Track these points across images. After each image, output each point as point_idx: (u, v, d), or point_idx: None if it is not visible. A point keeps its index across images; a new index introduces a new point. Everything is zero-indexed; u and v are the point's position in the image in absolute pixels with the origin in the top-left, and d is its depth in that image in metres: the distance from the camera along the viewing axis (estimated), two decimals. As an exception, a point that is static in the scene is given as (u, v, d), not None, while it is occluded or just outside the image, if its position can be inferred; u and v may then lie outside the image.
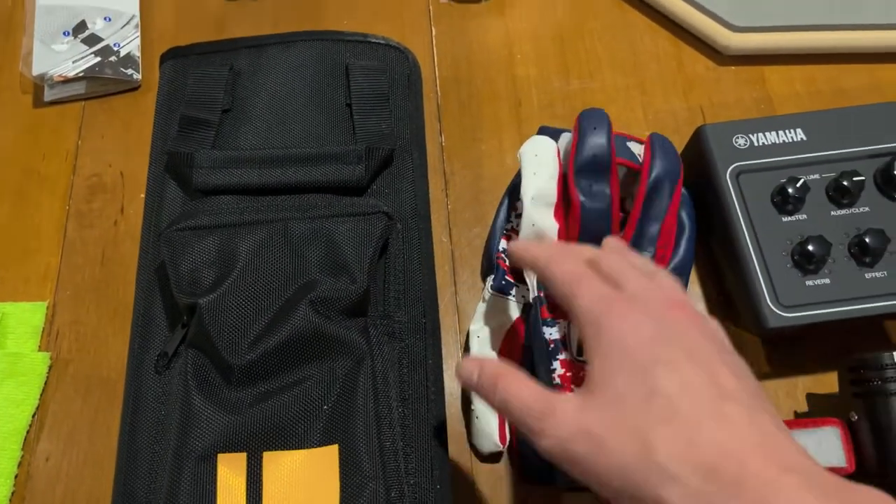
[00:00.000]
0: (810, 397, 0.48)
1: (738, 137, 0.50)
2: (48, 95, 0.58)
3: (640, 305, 0.32)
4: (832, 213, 0.47)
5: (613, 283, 0.34)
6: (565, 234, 0.48)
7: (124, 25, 0.60)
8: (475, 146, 0.57)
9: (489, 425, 0.46)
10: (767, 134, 0.50)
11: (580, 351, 0.45)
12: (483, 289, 0.50)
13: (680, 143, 0.53)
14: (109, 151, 0.57)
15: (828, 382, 0.48)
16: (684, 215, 0.51)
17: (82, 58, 0.57)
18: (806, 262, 0.46)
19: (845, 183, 0.47)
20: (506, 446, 0.46)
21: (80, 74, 0.57)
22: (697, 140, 0.51)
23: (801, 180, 0.47)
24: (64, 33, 0.58)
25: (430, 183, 0.54)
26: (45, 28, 0.58)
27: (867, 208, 0.47)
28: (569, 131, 0.51)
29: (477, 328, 0.48)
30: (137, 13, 0.61)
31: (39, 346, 0.50)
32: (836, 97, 0.58)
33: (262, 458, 0.41)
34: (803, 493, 0.25)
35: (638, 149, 0.49)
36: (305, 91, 0.54)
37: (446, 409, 0.47)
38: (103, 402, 0.49)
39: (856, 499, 0.26)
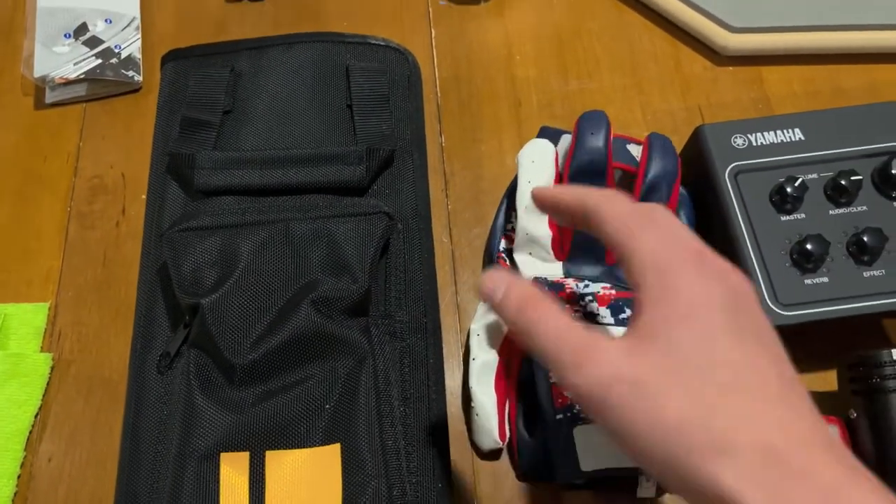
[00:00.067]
0: (809, 395, 0.49)
1: (736, 137, 0.50)
2: (49, 97, 0.58)
3: (712, 269, 0.30)
4: (830, 212, 0.48)
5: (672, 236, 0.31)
6: (559, 241, 0.48)
7: (125, 27, 0.60)
8: (475, 147, 0.57)
9: (489, 423, 0.46)
10: (766, 134, 0.50)
11: None
12: (483, 288, 0.51)
13: (678, 143, 0.53)
14: (110, 153, 0.57)
15: (827, 380, 0.49)
16: (683, 215, 0.51)
17: (83, 60, 0.58)
18: (804, 261, 0.46)
19: (843, 182, 0.47)
20: (505, 444, 0.46)
21: (82, 76, 0.57)
22: (696, 140, 0.51)
23: (800, 180, 0.47)
24: (65, 35, 0.58)
25: (431, 183, 0.54)
26: (46, 30, 0.58)
27: (865, 207, 0.48)
28: (570, 133, 0.51)
29: (477, 327, 0.48)
30: (138, 15, 0.61)
31: (42, 347, 0.50)
32: (833, 97, 0.58)
33: (264, 457, 0.41)
34: (874, 501, 0.24)
35: (637, 151, 0.50)
36: (306, 92, 0.54)
37: (447, 407, 0.47)
38: (105, 402, 0.49)
39: None
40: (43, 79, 0.57)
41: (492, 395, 0.46)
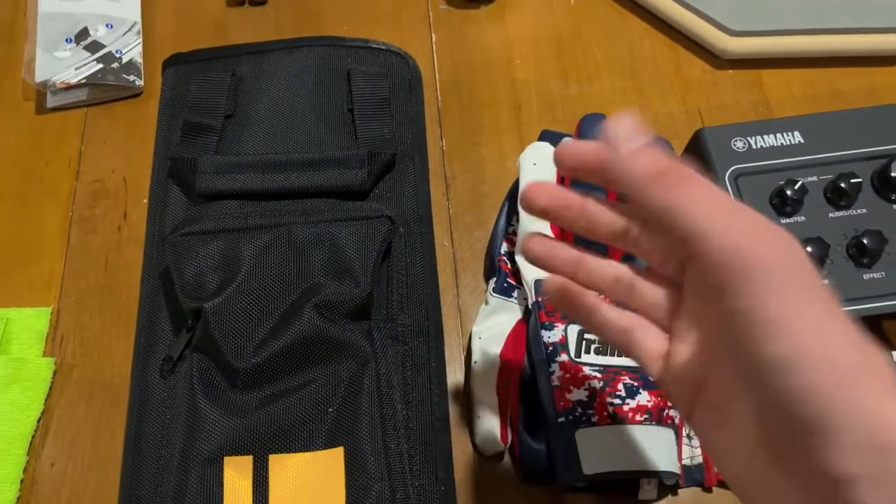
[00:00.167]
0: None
1: (736, 140, 0.50)
2: (51, 102, 0.59)
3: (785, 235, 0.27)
4: (830, 214, 0.48)
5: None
6: (561, 243, 0.48)
7: (126, 32, 0.60)
8: (476, 150, 0.57)
9: (491, 426, 0.46)
10: (765, 137, 0.50)
11: (578, 352, 0.46)
12: (485, 291, 0.51)
13: (678, 147, 0.54)
14: (112, 157, 0.57)
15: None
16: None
17: (85, 64, 0.58)
18: (804, 264, 0.46)
19: (843, 185, 0.47)
20: (507, 446, 0.46)
21: (83, 81, 0.57)
22: (696, 143, 0.51)
23: (799, 182, 0.48)
24: (66, 40, 0.58)
25: (432, 187, 0.55)
26: (47, 35, 0.58)
27: (864, 210, 0.48)
28: (570, 136, 0.51)
29: (479, 330, 0.49)
30: (139, 20, 0.61)
31: (44, 352, 0.50)
32: (832, 100, 0.58)
33: (268, 460, 0.41)
34: None
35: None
36: (307, 96, 0.54)
37: (449, 410, 0.47)
38: (107, 406, 0.49)
39: None
40: (44, 83, 0.57)
41: (494, 397, 0.46)
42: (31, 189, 0.56)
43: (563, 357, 0.45)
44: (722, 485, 0.46)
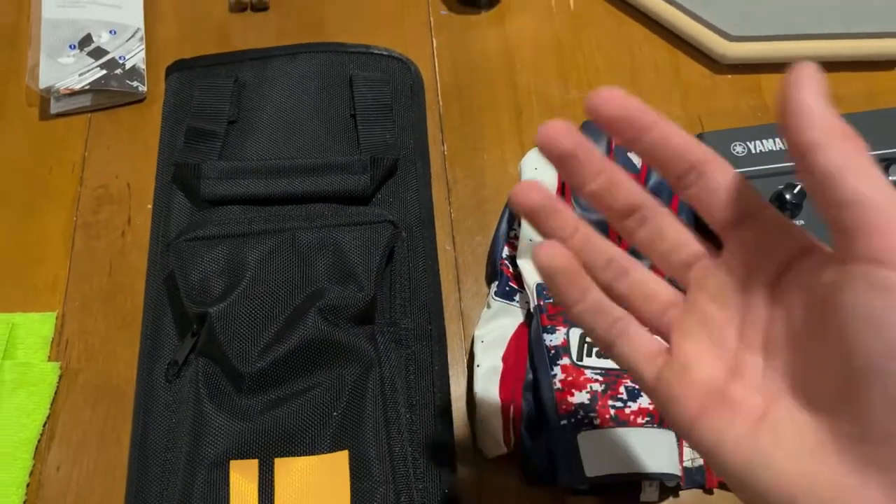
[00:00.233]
0: None
1: (736, 145, 0.51)
2: (54, 108, 0.59)
3: None
4: (829, 218, 0.48)
5: None
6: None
7: (129, 38, 0.61)
8: (477, 155, 0.58)
9: (494, 429, 0.46)
10: (764, 141, 0.51)
11: (580, 356, 0.46)
12: (487, 295, 0.51)
13: (678, 151, 0.54)
14: (116, 163, 0.58)
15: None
16: (683, 218, 0.51)
17: (88, 71, 0.58)
18: (804, 267, 0.47)
19: (841, 189, 0.48)
20: (510, 449, 0.47)
21: (87, 87, 0.58)
22: (696, 148, 0.51)
23: (799, 186, 0.48)
24: (70, 46, 0.59)
25: (434, 191, 0.55)
26: (51, 41, 0.59)
27: (863, 213, 0.48)
28: (570, 140, 0.52)
29: (482, 334, 0.49)
30: (142, 26, 0.62)
31: (49, 356, 0.51)
32: (831, 104, 0.59)
33: (273, 464, 0.41)
34: None
35: (638, 159, 0.50)
36: (310, 102, 0.55)
37: (452, 414, 0.48)
38: (112, 410, 0.49)
39: None
40: (48, 89, 0.57)
41: (496, 401, 0.47)
42: (36, 194, 0.56)
43: (565, 360, 0.46)
44: (723, 486, 0.46)
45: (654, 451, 0.44)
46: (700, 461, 0.46)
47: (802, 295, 0.25)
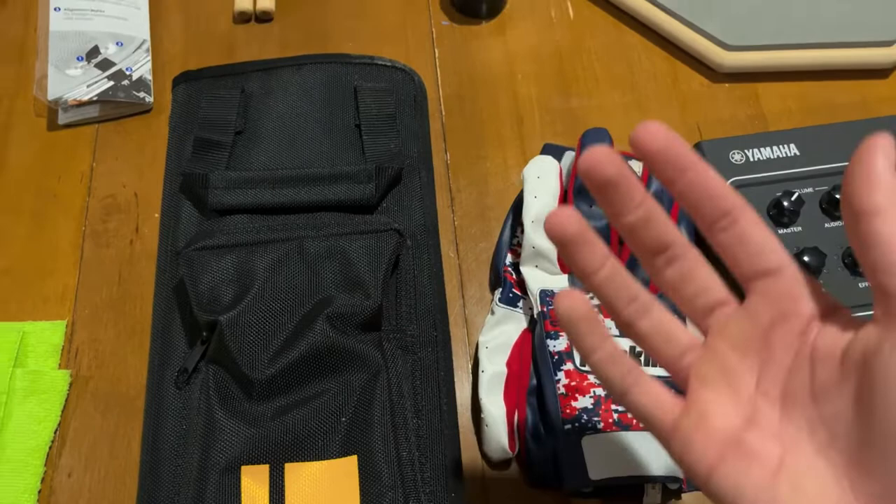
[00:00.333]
0: None
1: (734, 153, 0.52)
2: (62, 118, 0.60)
3: None
4: (826, 224, 0.49)
5: None
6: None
7: (136, 50, 0.61)
8: (480, 163, 0.59)
9: (499, 433, 0.47)
10: (762, 149, 0.52)
11: (583, 361, 0.47)
12: (491, 302, 0.52)
13: (678, 159, 0.55)
14: (123, 172, 0.58)
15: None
16: (683, 229, 0.52)
17: (96, 82, 0.59)
18: (802, 273, 0.47)
19: (838, 196, 0.49)
20: (515, 453, 0.48)
21: (94, 98, 0.58)
22: (695, 156, 0.52)
23: (796, 194, 0.49)
24: (77, 58, 0.60)
25: (437, 200, 0.56)
26: (58, 53, 0.59)
27: (859, 220, 0.49)
28: (572, 149, 0.53)
29: (486, 340, 0.50)
30: (148, 38, 0.63)
31: (59, 364, 0.51)
32: (827, 113, 0.60)
33: (283, 469, 0.42)
34: None
35: (638, 167, 0.51)
36: (315, 112, 0.56)
37: (458, 419, 0.48)
38: (123, 417, 0.50)
39: None
40: (56, 101, 0.58)
41: (501, 405, 0.48)
42: (45, 204, 0.57)
43: (569, 365, 0.47)
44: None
45: (657, 454, 0.44)
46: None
47: (828, 353, 0.26)
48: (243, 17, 0.65)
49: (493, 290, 0.54)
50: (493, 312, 0.51)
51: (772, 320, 0.27)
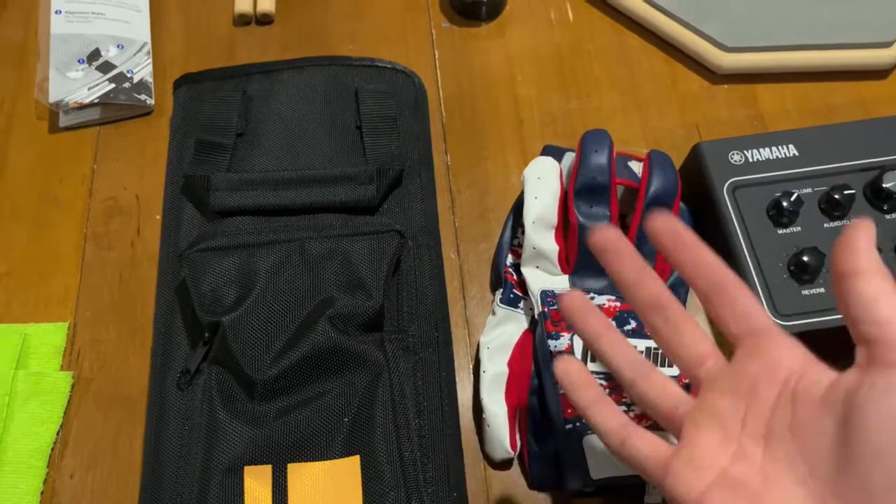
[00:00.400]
0: None
1: (733, 154, 0.52)
2: (63, 121, 0.60)
3: None
4: (825, 225, 0.50)
5: None
6: (565, 255, 0.50)
7: (136, 52, 0.62)
8: (480, 165, 0.59)
9: (500, 433, 0.47)
10: (761, 150, 0.52)
11: (584, 361, 0.47)
12: (492, 302, 0.52)
13: (677, 160, 0.55)
14: (124, 175, 0.59)
15: (824, 387, 0.50)
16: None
17: (97, 84, 0.59)
18: (801, 273, 0.48)
19: (837, 196, 0.49)
20: (516, 453, 0.48)
21: (96, 101, 0.59)
22: (695, 157, 0.53)
23: (795, 194, 0.49)
24: (79, 61, 0.60)
25: (438, 201, 0.56)
26: (60, 56, 0.60)
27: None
28: (572, 150, 0.53)
29: (487, 340, 0.50)
30: (149, 40, 0.63)
31: (61, 366, 0.51)
32: (825, 114, 0.60)
33: (286, 469, 0.42)
34: None
35: (638, 168, 0.51)
36: (316, 114, 0.56)
37: (459, 419, 0.48)
38: (125, 418, 0.50)
39: None
40: (58, 103, 0.58)
41: (502, 406, 0.48)
42: (46, 207, 0.57)
43: (570, 365, 0.47)
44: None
45: (658, 454, 0.45)
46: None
47: (808, 395, 0.30)
48: (243, 20, 0.65)
49: (493, 290, 0.54)
50: (494, 313, 0.51)
51: (758, 372, 0.32)
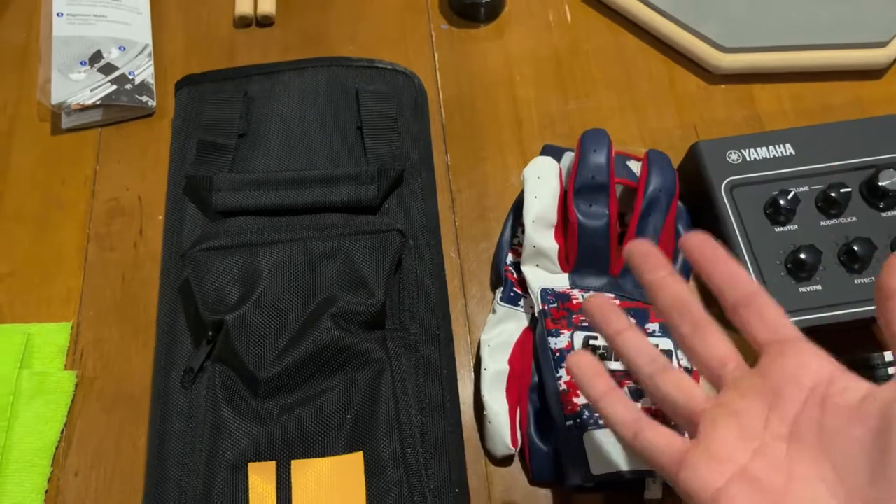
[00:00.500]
0: None
1: (731, 153, 0.52)
2: (66, 123, 0.60)
3: None
4: (822, 223, 0.50)
5: None
6: (565, 254, 0.50)
7: (138, 54, 0.62)
8: (480, 165, 0.59)
9: (501, 430, 0.48)
10: (759, 149, 0.52)
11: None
12: (493, 301, 0.53)
13: (675, 159, 0.56)
14: (126, 176, 0.59)
15: (822, 384, 0.51)
16: (681, 228, 0.53)
17: (99, 86, 0.60)
18: (799, 270, 0.48)
19: (833, 194, 0.50)
20: (517, 449, 0.48)
21: (98, 102, 0.59)
22: (692, 156, 0.53)
23: (792, 193, 0.50)
24: (81, 63, 0.60)
25: (438, 201, 0.57)
26: (62, 58, 0.60)
27: (854, 218, 0.50)
28: (572, 150, 0.53)
29: (488, 338, 0.50)
30: (150, 42, 0.63)
31: (65, 365, 0.52)
32: (821, 113, 0.61)
33: (290, 466, 0.42)
34: None
35: (637, 167, 0.52)
36: (317, 115, 0.56)
37: (461, 416, 0.49)
38: (128, 417, 0.50)
39: None
40: (60, 105, 0.59)
41: (503, 403, 0.48)
42: (49, 208, 0.58)
43: (570, 363, 0.47)
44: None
45: (658, 450, 0.45)
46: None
47: (841, 402, 0.31)
48: (244, 22, 0.65)
49: (494, 289, 0.54)
50: (494, 311, 0.52)
51: (784, 376, 0.33)
